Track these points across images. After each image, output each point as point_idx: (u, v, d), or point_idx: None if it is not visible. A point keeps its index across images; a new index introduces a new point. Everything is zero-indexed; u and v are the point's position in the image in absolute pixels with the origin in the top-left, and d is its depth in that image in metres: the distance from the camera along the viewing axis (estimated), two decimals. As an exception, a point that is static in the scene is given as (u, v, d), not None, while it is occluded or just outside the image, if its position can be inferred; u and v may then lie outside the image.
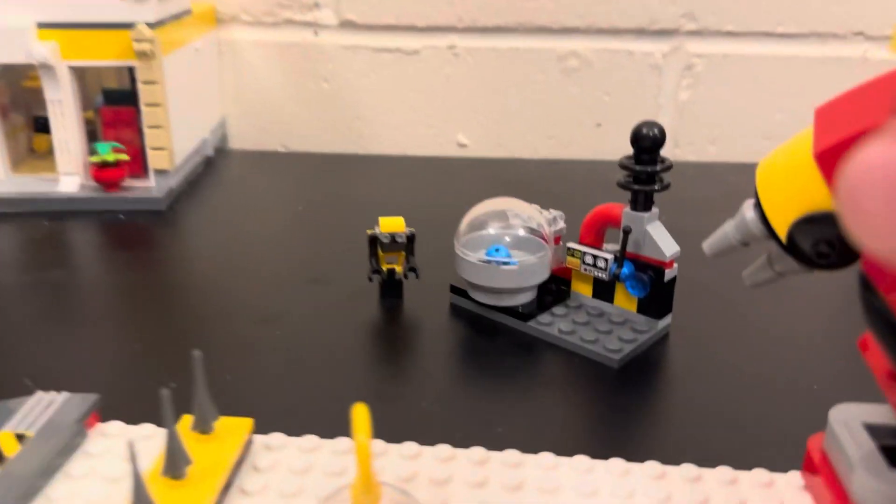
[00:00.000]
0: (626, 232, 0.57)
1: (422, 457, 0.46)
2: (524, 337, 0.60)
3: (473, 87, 1.06)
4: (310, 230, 0.81)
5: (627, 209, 0.58)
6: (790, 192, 0.42)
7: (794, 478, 0.45)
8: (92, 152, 0.86)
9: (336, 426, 0.49)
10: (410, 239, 0.64)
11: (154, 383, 0.54)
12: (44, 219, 0.82)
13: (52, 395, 0.47)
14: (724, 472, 0.45)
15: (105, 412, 0.48)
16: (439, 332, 0.61)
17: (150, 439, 0.47)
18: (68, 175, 0.86)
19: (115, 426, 0.48)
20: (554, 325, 0.60)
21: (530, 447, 0.46)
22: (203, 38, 0.99)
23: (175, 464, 0.40)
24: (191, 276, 0.71)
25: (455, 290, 0.65)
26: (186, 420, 0.45)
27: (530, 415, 0.51)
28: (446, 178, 0.99)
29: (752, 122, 1.05)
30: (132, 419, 0.48)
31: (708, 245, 0.50)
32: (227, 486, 0.42)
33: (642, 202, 0.58)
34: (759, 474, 0.45)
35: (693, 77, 1.04)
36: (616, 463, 0.45)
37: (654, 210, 0.58)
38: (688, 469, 0.45)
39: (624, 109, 1.06)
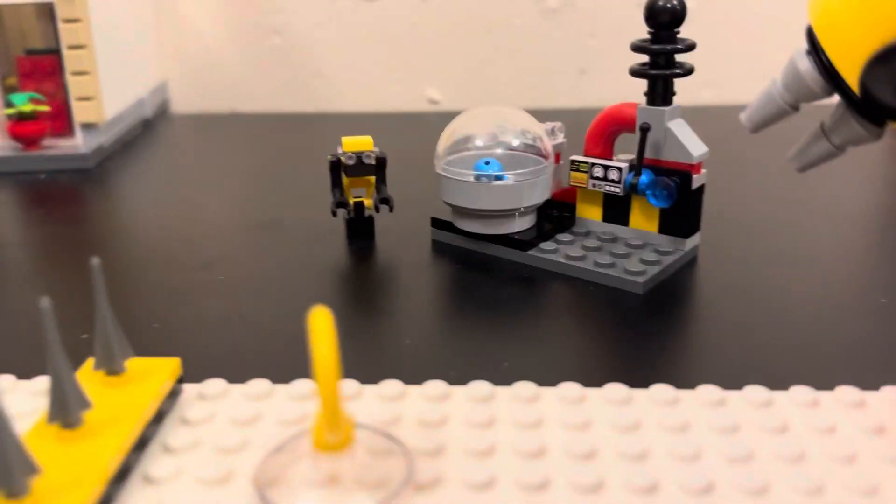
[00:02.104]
0: (645, 129, 0.47)
1: (407, 397, 0.35)
2: (523, 269, 0.49)
3: (444, 34, 0.96)
4: (261, 180, 0.70)
5: (643, 104, 0.48)
6: (860, 21, 0.32)
7: (892, 393, 0.34)
8: (7, 105, 0.74)
9: (292, 369, 0.38)
10: (380, 163, 0.53)
11: (61, 335, 0.43)
12: (-51, 182, 0.70)
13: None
14: (800, 392, 0.35)
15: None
16: (421, 270, 0.50)
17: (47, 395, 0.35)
18: (-20, 135, 0.74)
19: (5, 380, 0.36)
20: (559, 252, 0.49)
21: (547, 380, 0.35)
22: (136, -14, 0.88)
23: (64, 406, 0.29)
24: (117, 228, 0.59)
25: (437, 223, 0.54)
26: (91, 362, 0.34)
27: (542, 347, 0.40)
28: (417, 136, 0.87)
29: (751, 62, 0.96)
30: (28, 373, 0.36)
31: (748, 115, 0.40)
32: (142, 442, 0.31)
33: (661, 93, 0.47)
34: (846, 392, 0.34)
35: (683, 15, 0.95)
36: (661, 390, 0.35)
37: (676, 104, 0.48)
38: (755, 392, 0.34)
39: (610, 53, 0.96)
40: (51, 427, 0.29)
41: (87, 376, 0.33)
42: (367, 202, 0.54)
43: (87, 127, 0.75)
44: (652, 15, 0.46)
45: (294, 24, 0.96)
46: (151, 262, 0.52)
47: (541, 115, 0.94)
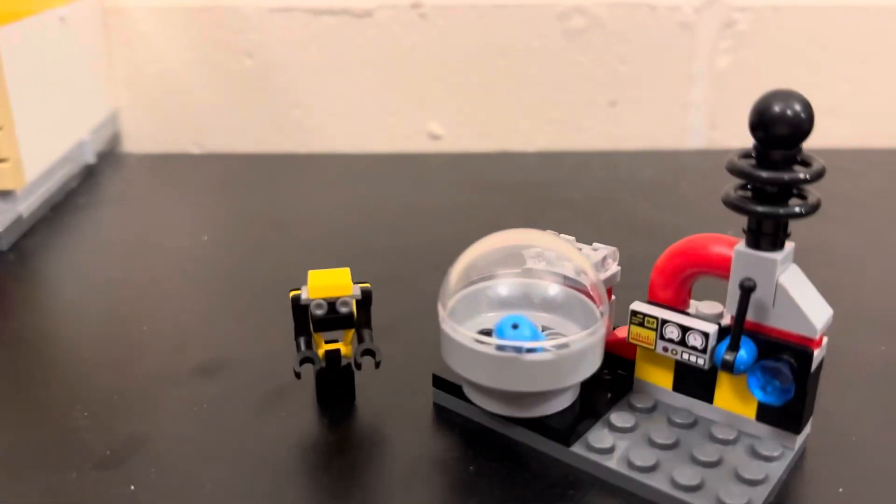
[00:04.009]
0: (748, 289, 0.32)
1: None
2: (566, 472, 0.35)
3: (447, 58, 0.80)
4: (213, 277, 0.55)
5: (742, 246, 0.33)
6: None
7: None
8: None
9: None
10: (363, 302, 0.38)
11: None
12: None
13: None
14: None
15: None
16: (420, 472, 0.35)
17: None
18: None
19: None
20: (616, 450, 0.34)
21: None
22: (75, 5, 0.72)
23: None
24: (15, 376, 0.44)
25: (440, 383, 0.39)
26: None
27: None
28: (416, 182, 0.73)
29: (811, 94, 0.80)
30: None
31: None
32: None
33: (771, 235, 0.33)
34: None
35: (734, 37, 0.79)
36: None
37: (789, 247, 0.33)
38: None
39: (646, 82, 0.81)
40: None
41: None
42: (345, 349, 0.39)
43: (3, 194, 0.60)
44: (762, 123, 0.31)
45: (269, 45, 0.80)
46: (48, 447, 0.37)
47: (566, 158, 0.79)
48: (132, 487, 0.34)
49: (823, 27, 0.79)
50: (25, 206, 0.61)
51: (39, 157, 0.64)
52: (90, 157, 0.74)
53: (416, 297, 0.48)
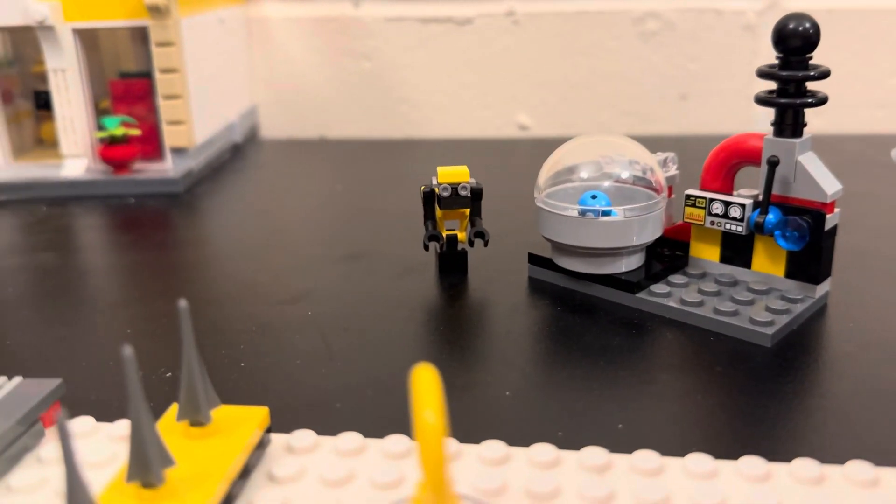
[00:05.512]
0: (773, 163, 0.42)
1: (512, 461, 0.31)
2: (632, 313, 0.45)
3: (536, 58, 0.93)
4: (349, 209, 0.68)
5: (770, 136, 0.44)
6: None
7: None
8: (99, 128, 0.74)
9: (386, 422, 0.35)
10: (476, 195, 0.50)
11: (143, 372, 0.41)
12: (43, 204, 0.70)
13: (1, 379, 0.34)
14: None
15: (77, 406, 0.35)
16: (518, 311, 0.47)
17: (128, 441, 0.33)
18: (74, 157, 0.75)
19: (84, 423, 0.34)
20: (672, 295, 0.45)
21: (668, 447, 0.31)
22: (229, 11, 0.88)
23: (144, 465, 0.26)
24: (205, 256, 0.58)
25: (535, 259, 0.50)
26: (173, 410, 0.31)
27: (659, 406, 0.36)
28: (507, 163, 0.85)
29: (864, 89, 0.90)
30: (109, 415, 0.34)
31: None
32: (227, 501, 0.28)
33: (790, 124, 0.43)
34: None
35: (793, 38, 0.89)
36: (804, 465, 0.30)
37: (807, 135, 0.44)
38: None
39: (713, 78, 0.91)
40: (129, 487, 0.27)
41: (170, 427, 0.30)
42: (461, 235, 0.51)
43: (178, 151, 0.75)
44: (782, 39, 0.42)
45: (384, 50, 0.94)
46: (239, 292, 0.50)
47: (639, 140, 0.90)
48: (309, 312, 0.46)
49: (874, 26, 0.88)
50: (195, 163, 0.76)
51: (203, 127, 0.79)
52: (238, 137, 0.88)
53: (510, 222, 0.59)
